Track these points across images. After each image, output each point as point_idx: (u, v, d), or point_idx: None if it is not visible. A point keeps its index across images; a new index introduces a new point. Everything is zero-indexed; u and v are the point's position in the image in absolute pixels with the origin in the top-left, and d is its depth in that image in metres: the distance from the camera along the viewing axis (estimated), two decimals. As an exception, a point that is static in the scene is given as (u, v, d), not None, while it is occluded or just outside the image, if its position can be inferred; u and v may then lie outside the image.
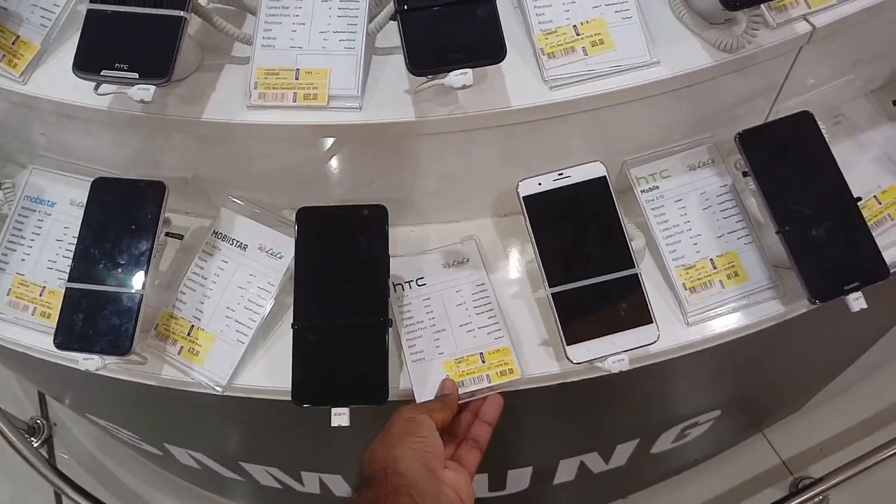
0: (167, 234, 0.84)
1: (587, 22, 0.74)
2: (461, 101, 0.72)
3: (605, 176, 0.75)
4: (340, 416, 0.72)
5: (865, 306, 0.74)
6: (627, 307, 0.73)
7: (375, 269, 0.74)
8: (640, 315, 0.73)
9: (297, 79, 0.73)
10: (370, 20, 0.74)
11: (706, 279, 0.80)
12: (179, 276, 0.83)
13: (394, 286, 0.83)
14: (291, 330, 0.73)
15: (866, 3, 0.76)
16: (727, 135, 0.80)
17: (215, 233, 0.83)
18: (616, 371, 0.71)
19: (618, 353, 0.71)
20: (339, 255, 0.75)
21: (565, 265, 0.74)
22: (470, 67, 0.66)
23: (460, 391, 0.76)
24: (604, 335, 0.72)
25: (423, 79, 0.68)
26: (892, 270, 0.82)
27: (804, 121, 0.79)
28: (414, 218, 0.89)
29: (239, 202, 0.85)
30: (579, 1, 0.75)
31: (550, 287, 0.73)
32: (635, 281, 0.73)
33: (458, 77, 0.65)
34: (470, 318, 0.81)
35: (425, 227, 0.90)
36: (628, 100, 0.74)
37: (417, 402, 0.76)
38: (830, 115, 0.93)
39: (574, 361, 0.72)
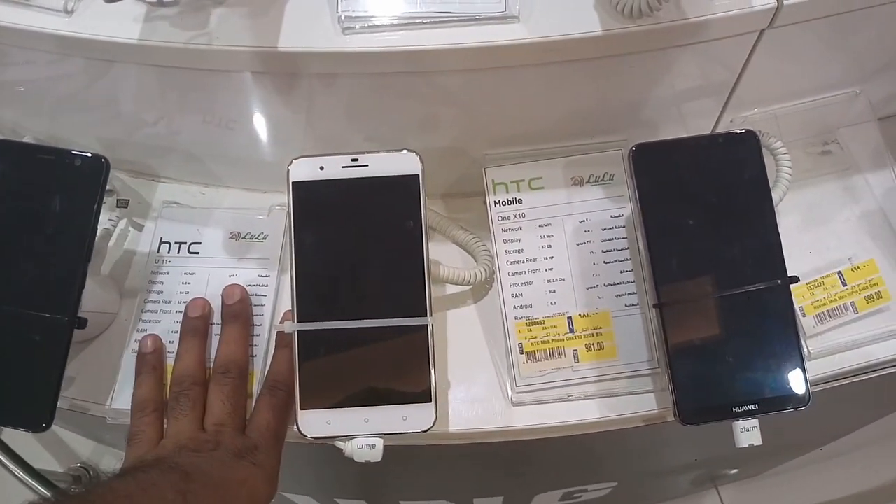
0: None
1: None
2: (210, 27, 0.48)
3: (417, 174, 0.51)
4: (-17, 437, 0.52)
5: (759, 442, 0.49)
6: (401, 372, 0.50)
7: (74, 245, 0.52)
8: (416, 387, 0.49)
9: (-3, -46, 0.50)
10: None
11: (555, 345, 0.56)
12: None
13: (160, 244, 0.62)
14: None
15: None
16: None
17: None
18: (361, 461, 0.49)
19: (368, 437, 0.49)
20: (29, 214, 0.53)
21: (329, 294, 0.51)
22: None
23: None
24: (356, 406, 0.49)
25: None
26: (837, 384, 0.57)
27: (742, 144, 0.52)
28: (215, 178, 0.66)
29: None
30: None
31: (299, 321, 0.50)
32: (422, 337, 0.50)
33: (156, -15, 0.42)
34: (227, 320, 0.59)
35: (232, 192, 0.67)
36: (461, 67, 0.49)
37: (112, 408, 0.56)
38: (819, 140, 0.66)
39: (305, 434, 0.49)
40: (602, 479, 0.86)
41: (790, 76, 0.58)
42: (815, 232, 0.61)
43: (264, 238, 0.62)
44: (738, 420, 0.49)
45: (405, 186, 0.51)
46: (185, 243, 0.62)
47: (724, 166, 0.51)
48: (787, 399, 0.49)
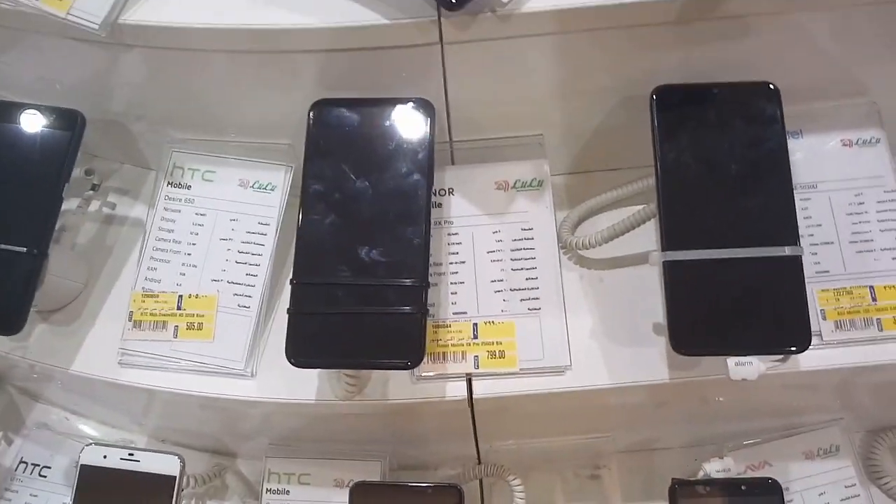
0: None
1: (195, 297, 0.60)
2: (30, 342, 0.62)
3: (175, 476, 0.62)
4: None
5: None
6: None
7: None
8: None
9: None
10: None
11: None
12: None
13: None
14: None
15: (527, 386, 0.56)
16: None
17: None
18: None
19: None
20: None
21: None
22: None
23: None
24: None
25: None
26: None
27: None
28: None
29: None
30: (202, 264, 0.61)
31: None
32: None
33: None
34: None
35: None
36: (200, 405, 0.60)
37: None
38: (590, 463, 0.72)
39: None
40: None
41: (532, 425, 0.65)
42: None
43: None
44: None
45: (166, 482, 0.62)
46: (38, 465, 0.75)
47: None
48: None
